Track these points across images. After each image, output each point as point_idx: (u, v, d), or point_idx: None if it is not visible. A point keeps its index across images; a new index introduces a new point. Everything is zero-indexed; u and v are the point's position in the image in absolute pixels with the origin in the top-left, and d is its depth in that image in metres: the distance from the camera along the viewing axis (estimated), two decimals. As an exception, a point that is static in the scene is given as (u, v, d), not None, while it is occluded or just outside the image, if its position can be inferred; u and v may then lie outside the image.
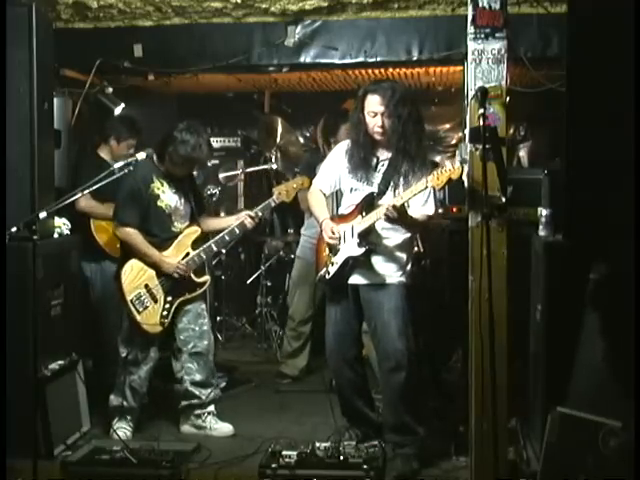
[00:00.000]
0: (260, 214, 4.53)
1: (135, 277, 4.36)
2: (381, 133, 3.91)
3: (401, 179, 3.89)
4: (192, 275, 4.46)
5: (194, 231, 4.52)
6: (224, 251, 6.70)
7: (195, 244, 4.50)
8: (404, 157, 3.88)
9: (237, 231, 4.49)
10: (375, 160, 3.99)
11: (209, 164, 7.55)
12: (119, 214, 4.42)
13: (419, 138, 3.90)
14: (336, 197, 4.33)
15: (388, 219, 3.78)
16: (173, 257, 4.42)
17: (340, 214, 4.09)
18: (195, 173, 7.13)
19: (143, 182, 4.33)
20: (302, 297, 5.54)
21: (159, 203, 4.41)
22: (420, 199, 3.83)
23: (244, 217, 4.47)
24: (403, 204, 3.74)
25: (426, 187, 3.67)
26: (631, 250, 3.34)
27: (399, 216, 3.75)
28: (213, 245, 4.48)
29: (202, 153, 4.39)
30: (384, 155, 3.97)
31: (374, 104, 3.88)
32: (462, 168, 3.58)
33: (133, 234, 4.36)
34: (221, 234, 4.48)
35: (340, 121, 5.35)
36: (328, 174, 4.17)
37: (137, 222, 4.37)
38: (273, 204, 4.60)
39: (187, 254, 4.45)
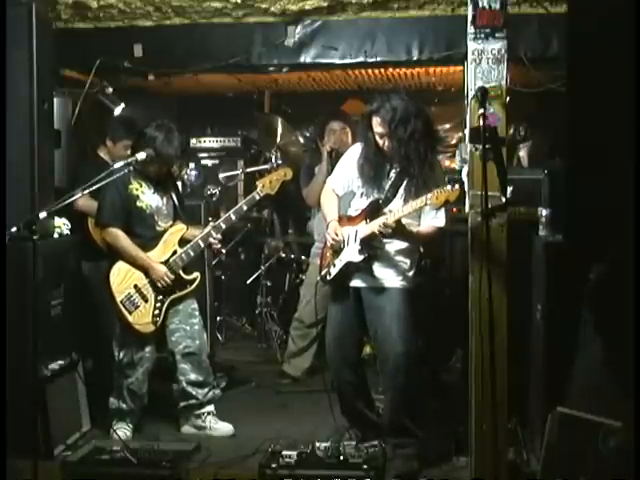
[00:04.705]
0: (234, 217, 4.51)
1: (123, 279, 4.36)
2: (389, 151, 3.93)
3: (411, 189, 3.89)
4: (181, 273, 4.46)
5: (180, 229, 4.53)
6: (224, 251, 6.69)
7: (181, 242, 4.50)
8: (409, 174, 3.90)
9: (223, 226, 4.50)
10: (388, 166, 4.00)
11: (209, 164, 7.59)
12: (103, 216, 4.43)
13: (422, 157, 3.86)
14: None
15: (382, 235, 3.82)
16: (160, 256, 4.43)
17: (348, 215, 4.10)
18: (201, 177, 7.16)
19: (121, 184, 4.32)
20: (312, 301, 5.53)
21: (139, 204, 4.42)
22: (431, 210, 3.84)
23: (211, 227, 4.49)
24: (399, 220, 3.78)
25: (426, 204, 3.69)
26: (631, 250, 3.34)
27: (393, 232, 3.80)
28: (200, 241, 4.48)
29: (171, 149, 4.37)
30: (396, 163, 3.98)
31: (377, 125, 3.91)
32: (460, 191, 3.60)
33: (120, 236, 4.37)
34: (207, 229, 4.49)
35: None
36: (342, 175, 4.19)
37: (120, 223, 4.38)
38: (258, 197, 4.60)
39: (174, 252, 4.46)
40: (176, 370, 4.49)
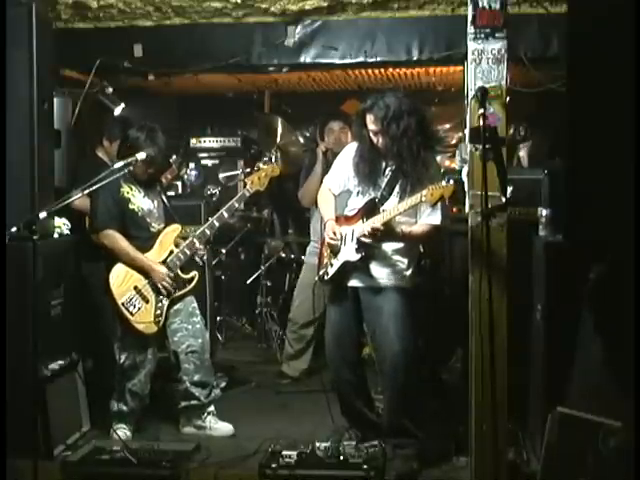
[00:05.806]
0: (227, 214, 4.55)
1: (123, 281, 4.36)
2: (383, 148, 3.93)
3: (405, 187, 3.89)
4: (179, 272, 4.46)
5: (175, 229, 4.54)
6: (224, 251, 6.70)
7: (177, 242, 4.52)
8: (403, 171, 3.90)
9: (217, 224, 4.50)
10: (383, 164, 4.00)
11: (209, 164, 7.59)
12: (98, 220, 4.42)
13: (415, 155, 3.86)
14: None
15: (372, 238, 3.82)
16: (157, 257, 4.43)
17: (345, 215, 4.10)
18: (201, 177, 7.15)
19: (112, 186, 4.30)
20: (306, 301, 5.53)
21: (131, 206, 4.43)
22: (426, 208, 3.85)
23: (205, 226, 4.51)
24: (388, 221, 3.79)
25: (421, 201, 3.70)
26: (631, 250, 3.34)
27: (383, 233, 3.80)
28: (196, 240, 4.49)
29: (154, 149, 4.37)
30: (390, 160, 3.98)
31: (370, 123, 3.91)
32: (454, 187, 3.62)
33: (118, 237, 4.37)
34: (202, 228, 4.51)
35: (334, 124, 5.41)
36: (337, 174, 4.19)
37: (116, 225, 4.38)
38: (247, 194, 4.65)
39: (171, 252, 4.47)
40: (179, 370, 4.49)
